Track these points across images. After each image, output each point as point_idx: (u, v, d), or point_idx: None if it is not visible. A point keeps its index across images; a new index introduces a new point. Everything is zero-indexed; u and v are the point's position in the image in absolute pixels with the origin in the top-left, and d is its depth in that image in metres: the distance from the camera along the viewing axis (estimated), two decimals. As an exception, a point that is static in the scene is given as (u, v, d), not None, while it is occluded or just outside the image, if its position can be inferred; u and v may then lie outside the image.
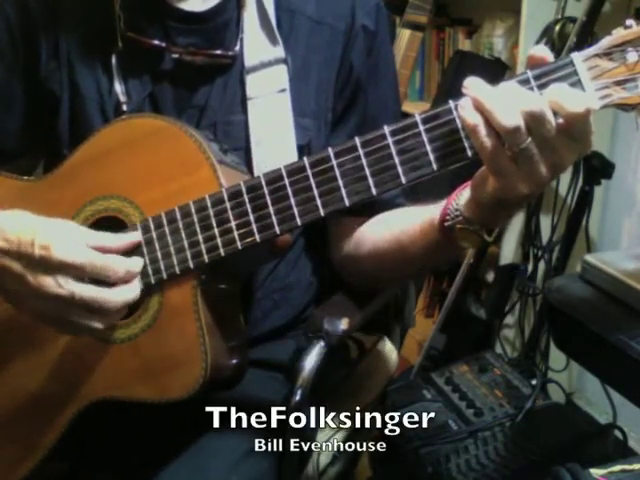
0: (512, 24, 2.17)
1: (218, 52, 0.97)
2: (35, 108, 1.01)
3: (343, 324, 0.96)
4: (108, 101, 0.97)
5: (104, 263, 0.81)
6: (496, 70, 2.13)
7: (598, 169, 1.77)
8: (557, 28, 1.84)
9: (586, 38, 1.74)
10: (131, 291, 0.84)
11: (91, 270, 0.80)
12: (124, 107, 0.96)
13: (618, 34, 0.70)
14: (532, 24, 1.88)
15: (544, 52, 0.71)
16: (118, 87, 0.96)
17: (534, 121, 0.68)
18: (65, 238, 0.80)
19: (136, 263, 0.85)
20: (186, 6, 0.96)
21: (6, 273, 0.80)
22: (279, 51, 0.97)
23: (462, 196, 0.80)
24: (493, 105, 0.68)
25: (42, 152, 1.10)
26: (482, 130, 0.69)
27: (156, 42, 0.95)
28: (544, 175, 0.70)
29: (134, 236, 0.86)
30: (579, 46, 1.71)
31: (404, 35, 2.03)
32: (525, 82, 0.71)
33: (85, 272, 0.80)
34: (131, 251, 0.86)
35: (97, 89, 0.97)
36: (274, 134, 0.97)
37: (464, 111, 0.70)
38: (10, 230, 0.80)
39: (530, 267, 2.04)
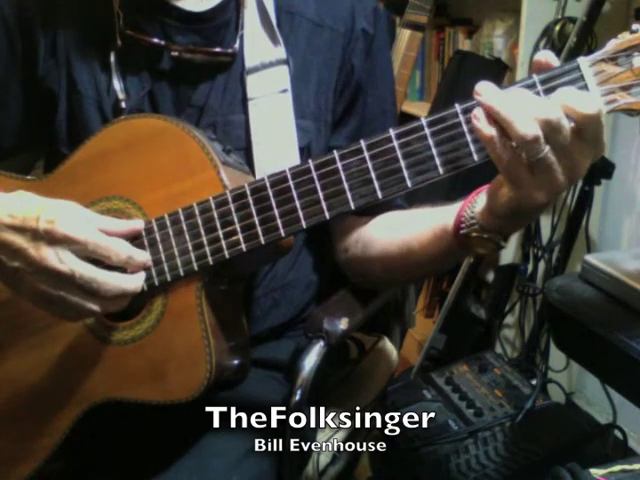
0: (512, 24, 2.17)
1: (217, 50, 0.97)
2: (33, 106, 1.01)
3: (342, 324, 0.96)
4: (106, 99, 0.97)
5: (106, 242, 0.81)
6: (496, 70, 2.13)
7: (598, 169, 1.77)
8: (557, 28, 1.84)
9: (586, 38, 1.74)
10: (132, 281, 0.83)
11: (93, 248, 0.79)
12: (122, 105, 0.96)
13: (624, 39, 0.69)
14: (532, 24, 1.88)
15: (548, 57, 0.70)
16: (117, 85, 0.96)
17: (551, 129, 0.66)
18: (70, 214, 0.80)
19: (141, 253, 0.85)
20: (185, 5, 0.96)
21: (8, 248, 0.79)
22: (280, 51, 0.97)
23: (477, 203, 0.79)
24: (510, 115, 0.66)
25: (40, 150, 1.09)
26: (498, 141, 0.67)
27: (155, 40, 0.95)
28: (561, 182, 0.69)
29: (136, 223, 0.85)
30: (579, 46, 1.71)
31: (404, 35, 2.03)
32: (531, 87, 0.70)
33: (87, 249, 0.79)
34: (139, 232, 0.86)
35: (95, 87, 0.97)
36: (275, 135, 0.96)
37: (479, 122, 0.68)
38: (16, 208, 0.80)
39: (530, 267, 2.04)
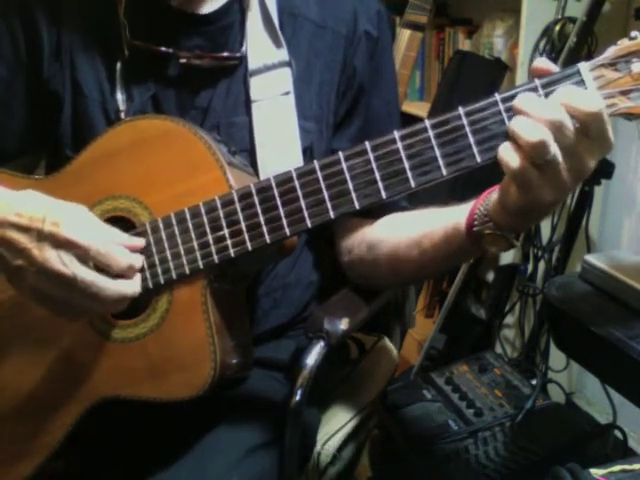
0: (512, 24, 2.17)
1: (225, 54, 0.97)
2: (37, 108, 1.01)
3: (343, 324, 0.96)
4: (110, 101, 0.97)
5: (108, 251, 0.81)
6: (496, 70, 2.13)
7: (598, 169, 1.75)
8: (557, 28, 1.84)
9: (586, 38, 1.74)
10: (130, 286, 0.84)
11: (95, 254, 0.80)
12: (122, 115, 0.95)
13: (623, 45, 0.71)
14: (532, 24, 1.88)
15: (547, 64, 0.72)
16: (119, 95, 0.96)
17: (557, 130, 0.68)
18: (76, 219, 0.81)
19: (137, 259, 0.85)
20: (190, 8, 0.96)
21: (12, 246, 0.80)
22: (283, 54, 0.97)
23: (489, 201, 0.80)
24: (515, 126, 0.70)
25: (42, 153, 1.10)
26: (509, 151, 0.70)
27: (163, 49, 0.95)
28: (567, 181, 0.71)
29: (139, 241, 0.86)
30: (579, 46, 1.71)
31: (404, 35, 2.03)
32: (533, 90, 0.71)
33: (89, 255, 0.80)
34: (140, 250, 0.86)
35: (100, 89, 0.97)
36: (278, 136, 0.97)
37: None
38: (23, 207, 0.81)
39: (530, 267, 2.04)
